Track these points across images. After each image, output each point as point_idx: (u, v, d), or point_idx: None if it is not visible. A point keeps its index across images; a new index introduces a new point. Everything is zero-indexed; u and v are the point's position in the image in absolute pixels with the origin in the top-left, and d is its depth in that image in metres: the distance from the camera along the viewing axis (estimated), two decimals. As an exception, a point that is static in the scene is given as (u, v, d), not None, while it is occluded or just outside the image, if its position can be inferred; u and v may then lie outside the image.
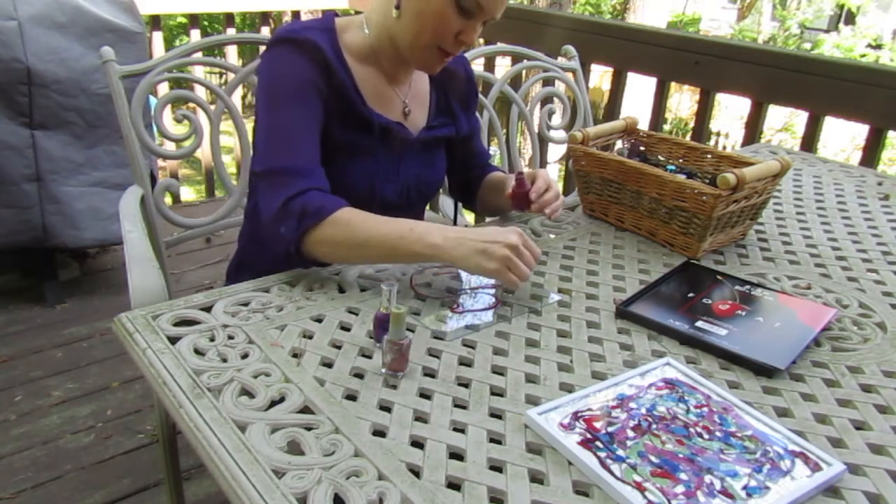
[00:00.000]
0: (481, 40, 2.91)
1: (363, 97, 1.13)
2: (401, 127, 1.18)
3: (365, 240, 0.98)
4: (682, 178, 1.19)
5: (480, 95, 1.69)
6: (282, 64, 1.08)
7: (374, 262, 1.05)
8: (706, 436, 0.74)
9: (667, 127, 8.65)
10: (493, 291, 1.04)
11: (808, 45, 11.18)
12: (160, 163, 3.48)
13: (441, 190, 1.54)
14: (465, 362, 0.86)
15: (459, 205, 1.44)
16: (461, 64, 1.31)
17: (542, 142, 1.91)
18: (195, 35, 3.11)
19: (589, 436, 0.73)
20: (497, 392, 0.81)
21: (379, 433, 0.73)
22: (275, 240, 1.02)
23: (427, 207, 1.59)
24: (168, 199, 3.04)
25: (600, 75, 5.96)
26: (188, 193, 6.00)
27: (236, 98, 2.27)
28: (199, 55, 1.44)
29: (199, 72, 2.68)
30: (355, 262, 1.06)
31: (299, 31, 1.08)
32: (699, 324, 0.97)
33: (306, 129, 1.06)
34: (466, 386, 0.82)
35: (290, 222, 0.99)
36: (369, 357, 0.86)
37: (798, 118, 7.99)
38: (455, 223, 1.40)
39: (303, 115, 1.06)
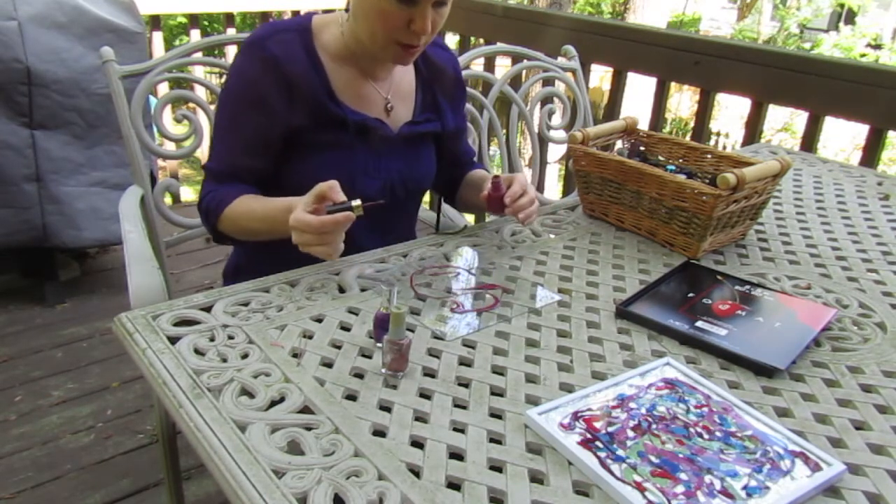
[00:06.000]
0: (481, 40, 2.91)
1: (336, 96, 1.14)
2: (379, 123, 1.18)
3: (253, 231, 1.12)
4: (682, 178, 1.19)
5: (480, 95, 1.70)
6: (239, 72, 1.13)
7: (268, 238, 1.09)
8: (706, 436, 0.74)
9: (667, 127, 8.65)
10: (493, 291, 1.04)
11: (807, 45, 11.18)
12: (160, 163, 3.48)
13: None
14: (465, 362, 0.86)
15: (446, 205, 1.45)
16: (450, 63, 1.30)
17: (542, 142, 1.91)
18: (195, 35, 3.11)
19: (589, 436, 0.73)
20: (497, 392, 0.81)
21: (379, 433, 0.73)
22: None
23: (427, 207, 1.59)
24: (168, 199, 3.04)
25: (600, 76, 5.96)
26: (188, 193, 5.99)
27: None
28: (199, 55, 1.44)
29: (199, 72, 2.68)
30: (261, 239, 1.13)
31: (267, 38, 1.10)
32: (699, 324, 0.97)
33: (238, 141, 1.14)
34: (466, 386, 0.82)
35: (202, 218, 1.18)
36: (369, 357, 0.86)
37: (798, 118, 7.98)
38: (437, 224, 1.41)
39: (241, 130, 1.13)
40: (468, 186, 1.36)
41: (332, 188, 0.94)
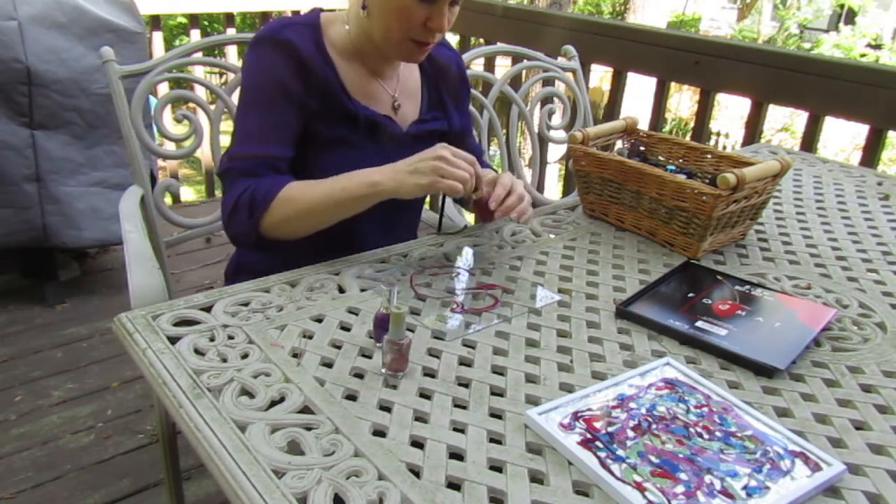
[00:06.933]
0: (481, 40, 2.91)
1: (348, 92, 1.14)
2: (389, 121, 1.18)
3: (313, 205, 1.04)
4: (682, 178, 1.19)
5: (480, 95, 1.70)
6: (256, 66, 1.11)
7: (330, 221, 1.07)
8: (706, 436, 0.74)
9: (667, 127, 8.64)
10: (493, 291, 1.04)
11: (807, 45, 11.17)
12: (160, 163, 3.48)
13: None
14: (465, 362, 0.86)
15: (448, 203, 1.44)
16: (454, 61, 1.31)
17: (542, 142, 1.91)
18: (195, 35, 3.11)
19: (589, 436, 0.73)
20: (497, 392, 0.81)
21: (379, 433, 0.73)
22: (236, 236, 1.11)
23: (427, 207, 1.59)
24: (168, 199, 3.04)
25: (600, 76, 5.96)
26: (188, 193, 6.00)
27: (236, 98, 2.26)
28: (199, 55, 1.44)
29: (199, 72, 2.68)
30: (314, 227, 1.08)
31: (278, 30, 1.10)
32: (699, 324, 0.97)
33: (268, 131, 1.10)
34: (466, 386, 0.82)
35: (242, 215, 1.06)
36: (369, 357, 0.86)
37: (798, 118, 7.98)
38: (440, 228, 1.40)
39: (267, 118, 1.10)
40: (490, 176, 1.34)
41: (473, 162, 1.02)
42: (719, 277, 1.11)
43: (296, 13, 3.46)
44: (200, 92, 1.56)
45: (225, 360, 0.83)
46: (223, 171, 1.11)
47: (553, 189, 5.62)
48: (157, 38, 2.93)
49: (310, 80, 1.10)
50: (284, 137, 1.11)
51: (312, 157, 1.14)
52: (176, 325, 0.90)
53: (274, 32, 1.10)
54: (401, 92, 1.22)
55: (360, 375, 0.82)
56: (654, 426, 0.75)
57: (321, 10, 1.19)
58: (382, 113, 1.18)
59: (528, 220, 1.15)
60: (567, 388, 0.83)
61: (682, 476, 0.68)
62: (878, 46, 11.16)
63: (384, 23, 1.08)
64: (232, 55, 3.21)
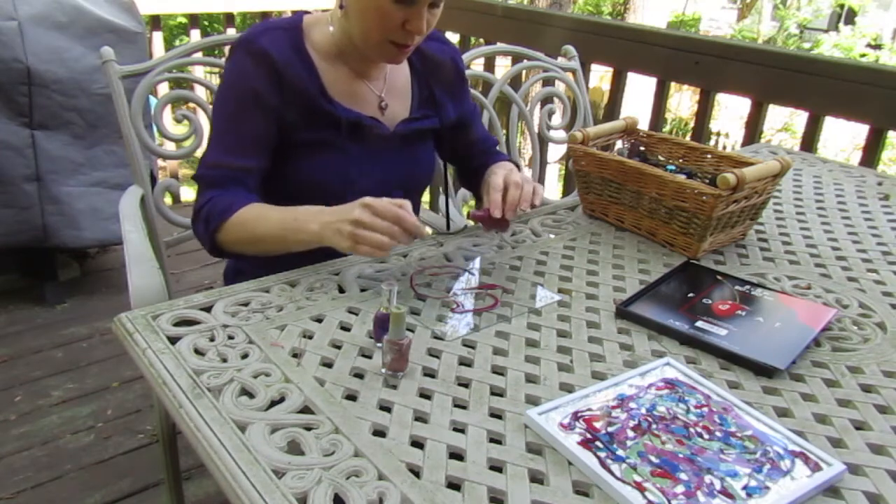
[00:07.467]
0: (481, 40, 2.91)
1: (329, 94, 1.13)
2: (374, 122, 1.17)
3: (261, 236, 1.04)
4: (682, 178, 1.19)
5: (480, 95, 1.69)
6: (230, 71, 1.11)
7: (278, 252, 1.05)
8: (706, 436, 0.74)
9: (667, 127, 8.64)
10: (493, 291, 1.04)
11: (807, 45, 11.17)
12: (160, 163, 3.48)
13: (441, 188, 1.54)
14: (465, 362, 0.86)
15: (451, 204, 1.43)
16: (448, 53, 1.29)
17: (542, 142, 1.91)
18: (195, 35, 3.11)
19: (589, 436, 0.73)
20: (497, 392, 0.81)
21: (379, 433, 0.73)
22: (200, 243, 1.13)
23: (427, 208, 1.58)
24: (168, 199, 3.04)
25: (600, 76, 5.96)
26: (188, 193, 5.99)
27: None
28: (199, 55, 1.44)
29: (199, 72, 2.68)
30: (266, 254, 1.07)
31: (255, 37, 1.10)
32: (699, 324, 0.97)
33: (238, 142, 1.10)
34: (466, 386, 0.82)
35: (200, 226, 1.09)
36: (369, 357, 0.86)
37: (798, 118, 7.98)
38: (448, 226, 1.39)
39: (238, 128, 1.10)
40: (484, 182, 1.28)
41: (403, 206, 0.95)
42: (719, 277, 1.11)
43: (295, 13, 3.46)
44: (200, 92, 1.56)
45: (225, 360, 0.83)
46: (196, 178, 1.12)
47: (553, 189, 5.62)
48: (157, 38, 2.94)
49: (285, 88, 1.09)
50: (255, 148, 1.11)
51: (296, 161, 1.14)
52: (176, 325, 0.90)
53: (250, 40, 1.09)
54: (388, 92, 1.21)
55: (360, 375, 0.82)
56: (654, 426, 0.75)
57: (306, 12, 1.18)
58: (367, 114, 1.17)
59: (540, 199, 1.10)
60: (567, 388, 0.83)
61: (682, 476, 0.68)
62: (878, 46, 11.16)
63: (362, 24, 1.07)
64: (232, 55, 3.21)
